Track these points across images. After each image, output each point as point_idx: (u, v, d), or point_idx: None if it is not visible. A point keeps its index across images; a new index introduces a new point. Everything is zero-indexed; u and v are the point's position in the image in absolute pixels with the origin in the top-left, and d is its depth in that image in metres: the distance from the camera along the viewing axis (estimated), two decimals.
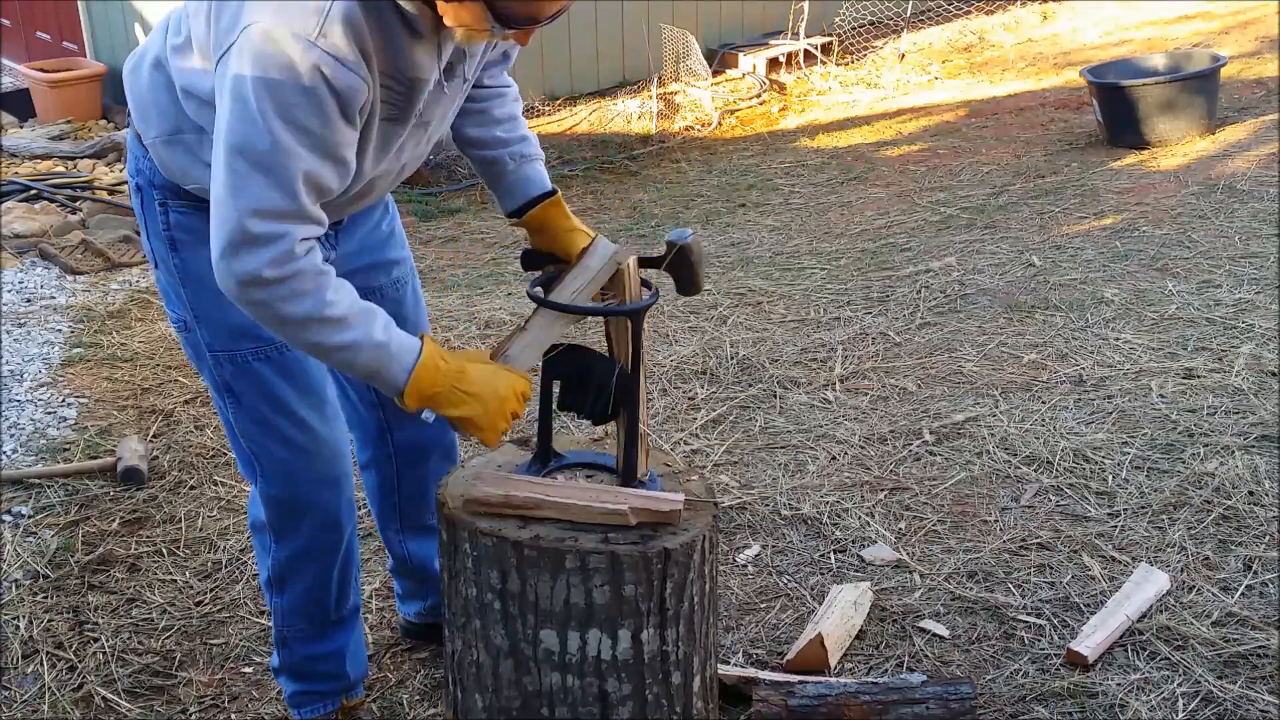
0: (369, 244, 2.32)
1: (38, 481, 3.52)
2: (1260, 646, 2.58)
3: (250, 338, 2.11)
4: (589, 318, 2.14)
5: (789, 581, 2.93)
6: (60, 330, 4.74)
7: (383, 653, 2.73)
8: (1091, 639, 2.59)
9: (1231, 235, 5.03)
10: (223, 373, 2.15)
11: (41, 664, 2.72)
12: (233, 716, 2.57)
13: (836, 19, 8.75)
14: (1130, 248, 4.99)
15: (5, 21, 9.27)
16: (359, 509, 2.60)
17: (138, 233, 5.66)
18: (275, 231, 1.79)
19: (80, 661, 2.74)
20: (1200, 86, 6.36)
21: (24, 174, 6.66)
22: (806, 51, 8.45)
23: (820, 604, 2.78)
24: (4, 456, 3.70)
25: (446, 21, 1.84)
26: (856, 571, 2.96)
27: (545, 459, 2.12)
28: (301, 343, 1.90)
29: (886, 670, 2.59)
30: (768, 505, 3.25)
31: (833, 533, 3.12)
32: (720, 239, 5.59)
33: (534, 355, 2.04)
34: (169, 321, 2.17)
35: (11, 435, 3.84)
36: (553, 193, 2.25)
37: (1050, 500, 3.21)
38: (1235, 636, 2.62)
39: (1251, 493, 3.15)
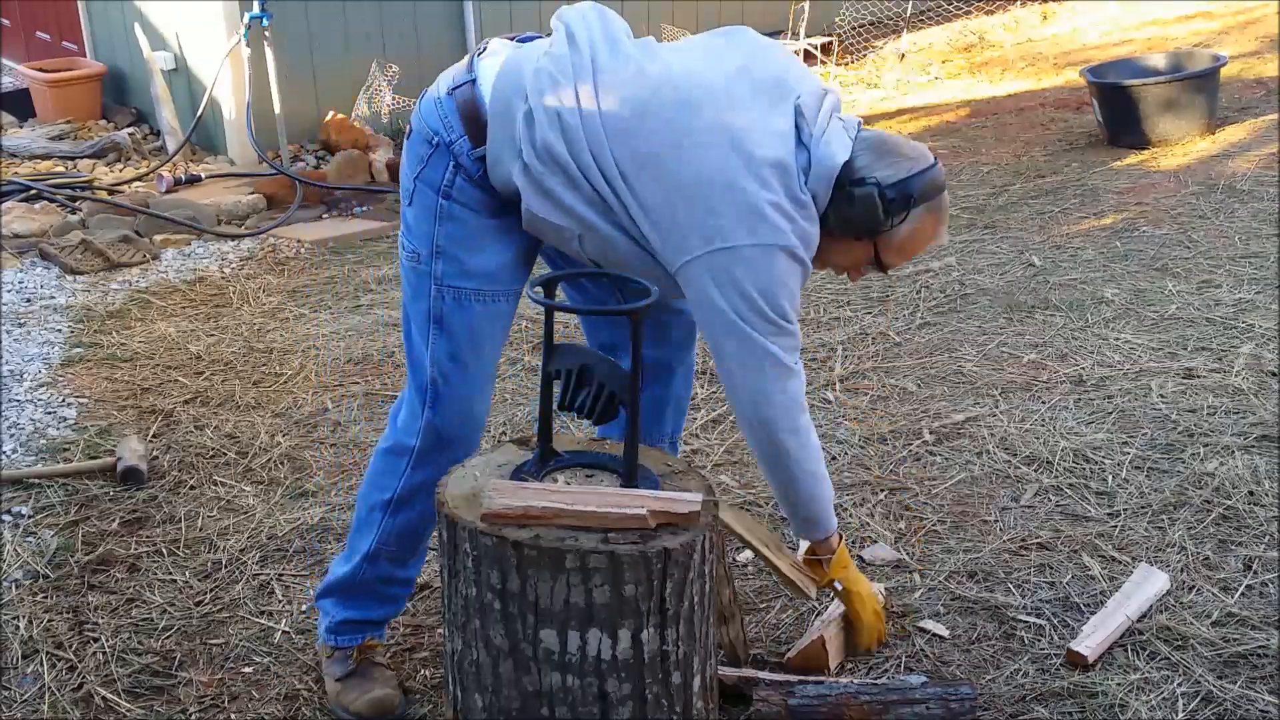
0: None
1: (38, 481, 3.52)
2: (1260, 646, 2.58)
3: (477, 279, 2.32)
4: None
5: None
6: (60, 330, 4.74)
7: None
8: (1091, 639, 2.59)
9: (1231, 235, 5.03)
10: (441, 304, 2.34)
11: (41, 664, 2.72)
12: (233, 716, 2.57)
13: (837, 19, 8.75)
14: (1130, 248, 4.99)
15: (5, 21, 9.27)
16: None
17: (138, 232, 5.76)
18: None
19: (80, 661, 2.74)
20: (1201, 86, 6.35)
21: (24, 174, 6.66)
22: (807, 51, 8.44)
23: (819, 603, 2.78)
24: (4, 456, 3.70)
25: (833, 258, 2.32)
26: None
27: (545, 458, 2.12)
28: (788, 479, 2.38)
29: (887, 670, 2.59)
30: (768, 505, 3.25)
31: None
32: None
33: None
34: (401, 253, 2.37)
35: (11, 435, 3.84)
36: None
37: (1050, 500, 3.21)
38: (1235, 636, 2.62)
39: (1251, 493, 3.16)
